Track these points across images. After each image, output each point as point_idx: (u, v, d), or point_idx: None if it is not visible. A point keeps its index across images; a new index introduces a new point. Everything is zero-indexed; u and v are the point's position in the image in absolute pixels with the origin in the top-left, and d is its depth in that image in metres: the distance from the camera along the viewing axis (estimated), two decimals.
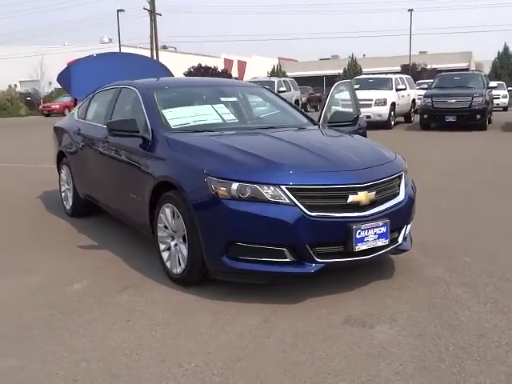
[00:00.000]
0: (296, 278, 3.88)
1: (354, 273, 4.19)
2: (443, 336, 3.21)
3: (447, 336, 3.21)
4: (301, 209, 3.56)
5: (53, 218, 6.48)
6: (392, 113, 18.51)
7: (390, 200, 3.96)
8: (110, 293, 4.03)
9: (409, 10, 46.08)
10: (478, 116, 16.94)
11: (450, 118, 16.99)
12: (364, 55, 54.91)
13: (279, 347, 3.14)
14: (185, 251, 3.96)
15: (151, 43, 40.93)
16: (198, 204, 3.76)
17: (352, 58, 48.52)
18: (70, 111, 7.89)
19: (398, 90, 19.17)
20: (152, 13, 42.45)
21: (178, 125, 4.63)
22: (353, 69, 47.25)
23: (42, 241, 5.47)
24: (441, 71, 45.49)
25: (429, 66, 45.95)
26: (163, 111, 4.76)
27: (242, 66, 65.45)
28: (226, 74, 46.55)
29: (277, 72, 50.33)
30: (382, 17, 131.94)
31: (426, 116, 17.51)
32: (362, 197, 3.73)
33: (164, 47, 57.73)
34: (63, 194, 6.65)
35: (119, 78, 6.44)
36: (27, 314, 3.71)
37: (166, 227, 4.22)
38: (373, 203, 3.80)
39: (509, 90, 26.48)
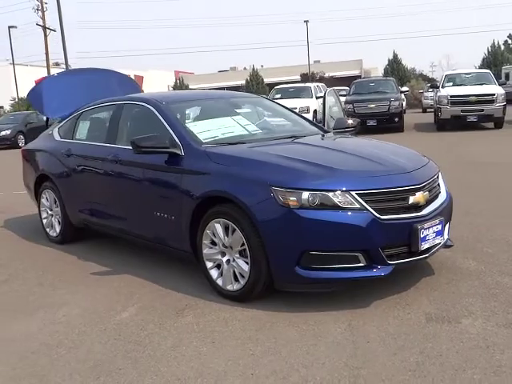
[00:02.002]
0: (366, 282, 3.91)
1: (397, 274, 4.26)
2: None
3: None
4: (372, 213, 3.61)
5: (41, 247, 6.04)
6: (314, 120, 19.04)
7: (438, 199, 4.11)
8: (167, 317, 3.85)
9: (305, 21, 47.78)
10: (396, 119, 17.88)
11: (371, 122, 17.76)
12: (262, 66, 56.05)
13: (387, 350, 3.15)
14: (245, 266, 3.87)
15: (47, 60, 39.31)
16: (264, 216, 3.69)
17: (253, 69, 49.36)
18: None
19: (317, 97, 19.77)
20: (45, 29, 40.83)
21: (208, 138, 4.51)
22: (255, 79, 48.03)
23: (51, 273, 5.08)
24: (337, 78, 47.56)
25: (326, 75, 47.73)
26: (187, 125, 4.62)
27: (139, 80, 64.26)
28: None
29: (179, 85, 50.00)
30: (277, 28, 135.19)
31: None
32: (420, 197, 3.85)
33: (56, 64, 55.53)
34: (45, 221, 6.22)
35: (95, 95, 6.22)
36: (95, 346, 3.47)
37: (213, 243, 4.10)
38: (427, 203, 3.92)
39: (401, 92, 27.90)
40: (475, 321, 3.45)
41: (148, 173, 4.64)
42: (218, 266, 4.12)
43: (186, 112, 4.93)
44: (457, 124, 17.42)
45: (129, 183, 4.86)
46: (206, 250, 4.16)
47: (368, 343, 3.25)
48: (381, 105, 17.76)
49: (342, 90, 26.27)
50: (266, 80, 48.02)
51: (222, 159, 4.12)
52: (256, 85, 45.90)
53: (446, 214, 4.13)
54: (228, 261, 4.03)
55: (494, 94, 16.98)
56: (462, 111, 17.11)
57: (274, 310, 3.80)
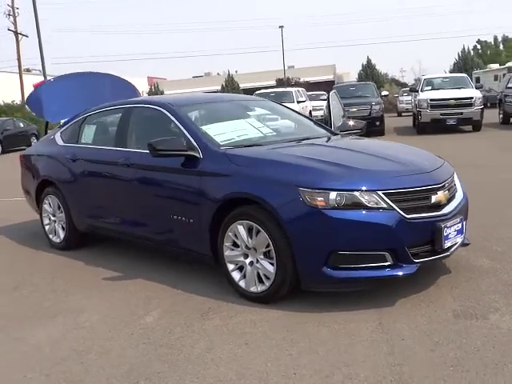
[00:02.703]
0: (388, 281, 3.94)
1: (416, 272, 4.28)
2: None
3: None
4: (399, 212, 3.65)
5: (44, 254, 5.94)
6: None
7: (456, 198, 4.18)
8: (193, 320, 3.83)
9: (280, 27, 48.02)
10: (378, 122, 18.08)
11: None
12: (236, 71, 56.11)
13: (423, 347, 3.19)
14: (270, 267, 3.87)
15: (19, 66, 38.79)
16: (291, 217, 3.70)
17: (228, 74, 49.38)
18: None
19: (298, 102, 19.88)
20: (16, 34, 40.30)
21: (225, 140, 4.51)
22: (230, 85, 48.09)
23: (61, 279, 5.00)
24: (312, 83, 47.89)
25: (301, 80, 48.04)
26: (202, 128, 4.61)
27: None
28: None
29: (155, 91, 49.74)
30: (250, 34, 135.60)
31: None
32: (442, 196, 3.91)
33: (27, 70, 54.75)
34: (48, 227, 6.12)
35: (94, 99, 6.18)
36: (126, 351, 3.43)
37: (235, 245, 4.09)
38: (448, 202, 3.99)
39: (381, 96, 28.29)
40: (503, 316, 3.51)
41: (163, 176, 4.62)
42: (240, 268, 4.11)
43: (199, 115, 4.91)
44: (436, 127, 17.70)
45: (142, 186, 4.82)
46: (227, 252, 4.15)
47: (403, 340, 3.29)
48: (362, 109, 17.95)
49: (321, 94, 26.60)
50: (242, 85, 48.09)
51: (243, 161, 4.12)
52: (232, 90, 45.91)
53: (463, 212, 4.20)
54: (251, 262, 4.02)
55: (472, 98, 17.33)
56: (441, 114, 17.42)
57: (300, 311, 3.82)
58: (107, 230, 5.44)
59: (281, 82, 45.65)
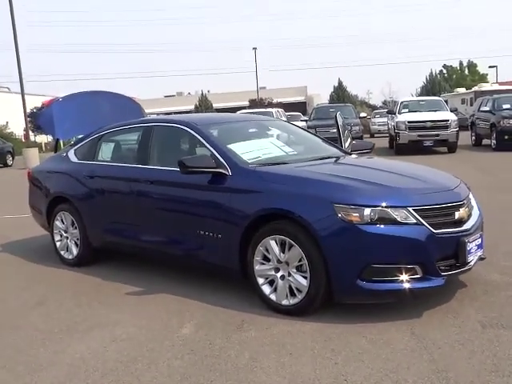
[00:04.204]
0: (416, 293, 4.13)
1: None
2: None
3: None
4: (428, 227, 3.87)
5: (57, 270, 5.94)
6: None
7: (473, 214, 4.42)
8: (230, 332, 3.95)
9: (253, 48, 48.65)
10: None
11: None
12: (208, 91, 56.53)
13: (461, 355, 3.38)
14: (303, 280, 4.03)
15: None
16: (327, 232, 3.88)
17: (202, 94, 49.69)
18: None
19: None
20: None
21: (252, 158, 4.68)
22: (204, 104, 48.38)
23: (83, 294, 5.05)
24: (285, 104, 48.51)
25: (274, 100, 48.65)
26: (228, 146, 4.78)
27: None
28: None
29: None
30: (221, 54, 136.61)
31: None
32: (463, 212, 4.15)
33: None
34: (59, 244, 6.15)
35: (104, 117, 6.31)
36: (173, 361, 3.53)
37: (266, 260, 4.24)
38: (468, 218, 4.23)
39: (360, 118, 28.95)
40: None
41: (189, 192, 4.75)
42: (271, 282, 4.25)
43: (222, 134, 5.07)
44: (414, 148, 18.19)
45: (166, 203, 4.94)
46: (257, 267, 4.29)
47: (440, 349, 3.47)
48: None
49: (298, 115, 26.98)
50: (215, 105, 48.41)
51: (275, 178, 4.29)
52: (205, 110, 46.18)
53: (481, 228, 4.44)
54: (283, 276, 4.17)
55: (448, 120, 17.93)
56: (418, 136, 17.95)
57: (333, 322, 3.97)
58: (126, 246, 5.52)
59: (254, 103, 46.14)
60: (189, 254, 4.89)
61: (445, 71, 60.12)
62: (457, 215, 4.09)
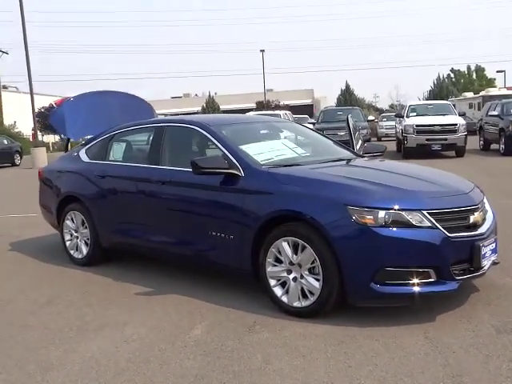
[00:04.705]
0: (429, 297, 4.10)
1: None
2: None
3: None
4: (442, 231, 3.84)
5: (65, 270, 5.94)
6: None
7: (488, 218, 4.39)
8: (242, 333, 3.93)
9: (261, 51, 48.68)
10: None
11: None
12: (216, 93, 56.60)
13: (476, 360, 3.35)
14: (315, 283, 4.01)
15: None
16: (340, 234, 3.86)
17: (209, 96, 49.79)
18: None
19: None
20: None
21: (265, 160, 4.66)
22: (211, 106, 48.46)
23: (92, 294, 5.04)
24: (292, 107, 48.51)
25: (281, 103, 48.66)
26: (241, 147, 4.76)
27: None
28: None
29: None
30: (229, 56, 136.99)
31: None
32: (478, 217, 4.12)
33: (4, 87, 54.25)
34: (69, 243, 6.15)
35: (114, 117, 6.31)
36: (185, 362, 3.52)
37: (278, 261, 4.22)
38: (482, 222, 4.20)
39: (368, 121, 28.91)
40: None
41: (201, 193, 4.74)
42: (283, 284, 4.23)
43: (235, 135, 5.04)
44: (422, 152, 18.13)
45: (178, 203, 4.93)
46: (269, 268, 4.27)
47: (454, 353, 3.44)
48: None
49: (305, 118, 26.95)
50: (222, 107, 48.47)
51: (288, 180, 4.27)
52: (212, 111, 46.24)
53: (495, 232, 4.41)
54: (295, 278, 4.15)
55: (456, 124, 17.87)
56: (426, 140, 17.89)
57: (345, 325, 3.94)
58: (136, 246, 5.51)
59: (261, 105, 46.16)
60: (199, 254, 4.87)
61: (452, 75, 59.99)
62: (471, 219, 4.06)
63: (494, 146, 19.69)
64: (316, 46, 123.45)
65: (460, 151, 18.09)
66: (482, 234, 4.08)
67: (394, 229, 3.79)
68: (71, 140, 7.01)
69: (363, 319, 4.01)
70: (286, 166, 4.61)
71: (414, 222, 3.81)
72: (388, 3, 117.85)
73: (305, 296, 4.09)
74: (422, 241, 3.79)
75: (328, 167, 4.65)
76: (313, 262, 4.02)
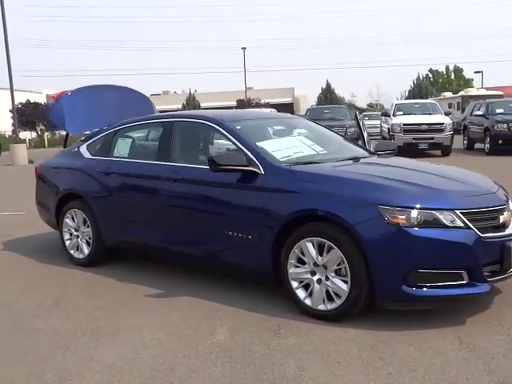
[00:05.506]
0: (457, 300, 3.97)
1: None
2: None
3: None
4: (475, 231, 3.72)
5: (64, 270, 5.69)
6: None
7: None
8: (268, 338, 3.75)
9: (242, 48, 48.41)
10: None
11: None
12: (196, 90, 56.16)
13: None
14: (342, 285, 3.85)
15: None
16: (371, 234, 3.71)
17: (189, 93, 49.36)
18: None
19: None
20: None
21: (284, 157, 4.49)
22: (191, 104, 48.06)
23: (99, 296, 4.81)
24: (272, 105, 48.40)
25: (262, 101, 48.52)
26: (258, 144, 4.58)
27: None
28: None
29: None
30: (209, 54, 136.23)
31: None
32: (507, 216, 4.01)
33: None
34: (68, 243, 5.90)
35: (115, 112, 6.10)
36: (215, 370, 3.33)
37: (300, 262, 4.06)
38: (510, 222, 4.09)
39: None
40: None
41: (216, 191, 4.55)
42: (306, 286, 4.07)
43: (250, 132, 4.86)
44: (408, 151, 18.12)
45: (191, 201, 4.73)
46: (291, 270, 4.10)
47: (494, 359, 3.32)
48: (338, 131, 18.19)
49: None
50: (203, 105, 48.14)
51: (312, 178, 4.11)
52: (193, 108, 45.88)
53: None
54: (319, 280, 3.99)
55: (443, 124, 17.94)
56: (414, 139, 17.92)
57: (374, 329, 3.80)
58: (144, 246, 5.29)
59: (242, 103, 45.93)
60: (213, 255, 4.68)
61: (430, 75, 60.51)
62: (501, 219, 3.95)
63: (478, 146, 19.82)
64: (296, 45, 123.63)
65: (446, 150, 18.16)
66: (511, 235, 3.96)
67: (427, 229, 3.66)
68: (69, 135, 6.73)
69: (391, 323, 3.87)
70: (305, 163, 4.43)
71: (446, 222, 3.68)
72: (370, 3, 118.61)
73: (330, 299, 3.94)
74: (455, 241, 3.67)
75: (350, 165, 4.51)
76: (339, 264, 3.86)
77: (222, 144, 5.95)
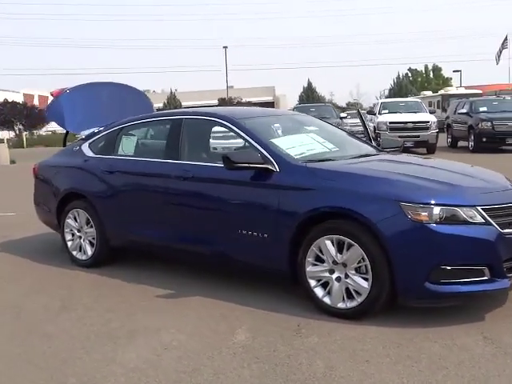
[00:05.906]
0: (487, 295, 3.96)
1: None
2: None
3: None
4: (496, 227, 3.71)
5: (66, 271, 5.56)
6: None
7: None
8: (290, 338, 3.71)
9: (224, 47, 48.25)
10: None
11: None
12: (176, 89, 55.83)
13: None
14: (363, 282, 3.82)
15: None
16: (393, 232, 3.69)
17: (171, 92, 49.05)
18: None
19: None
20: None
21: (298, 154, 4.44)
22: (172, 103, 47.75)
23: (107, 298, 4.71)
24: (254, 104, 48.32)
25: (243, 100, 48.42)
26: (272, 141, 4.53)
27: (43, 100, 61.94)
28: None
29: None
30: (189, 53, 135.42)
31: None
32: None
33: None
34: (71, 243, 5.77)
35: (116, 110, 6.01)
36: (240, 371, 3.28)
37: (318, 261, 4.02)
38: None
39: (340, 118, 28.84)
40: None
41: (229, 189, 4.48)
42: (324, 284, 4.03)
43: (261, 129, 4.79)
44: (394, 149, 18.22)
45: (203, 200, 4.66)
46: (309, 268, 4.06)
47: None
48: None
49: None
50: (184, 103, 47.87)
51: (330, 175, 4.07)
52: (174, 107, 45.58)
53: None
54: (338, 278, 3.95)
55: (428, 122, 18.10)
56: (399, 137, 17.96)
57: (396, 327, 3.77)
58: (152, 245, 5.20)
59: (223, 102, 45.79)
60: (225, 254, 4.61)
61: (410, 74, 61.03)
62: None
63: (461, 144, 20.03)
64: (276, 44, 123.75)
65: (431, 148, 18.32)
66: None
67: (449, 225, 3.65)
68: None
69: (412, 320, 3.85)
70: (319, 160, 4.39)
71: (468, 219, 3.68)
72: (347, 3, 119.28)
73: (350, 297, 3.90)
74: (477, 237, 3.66)
75: (365, 162, 4.47)
76: (359, 261, 3.83)
77: (217, 143, 5.91)
